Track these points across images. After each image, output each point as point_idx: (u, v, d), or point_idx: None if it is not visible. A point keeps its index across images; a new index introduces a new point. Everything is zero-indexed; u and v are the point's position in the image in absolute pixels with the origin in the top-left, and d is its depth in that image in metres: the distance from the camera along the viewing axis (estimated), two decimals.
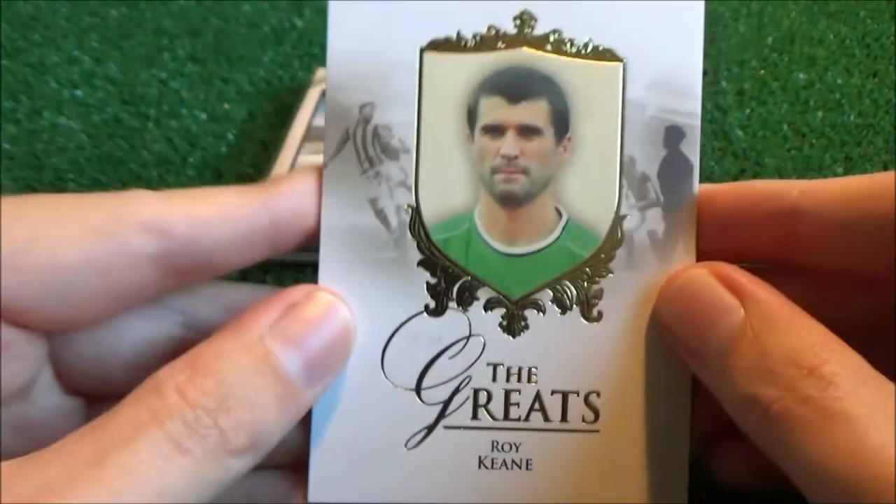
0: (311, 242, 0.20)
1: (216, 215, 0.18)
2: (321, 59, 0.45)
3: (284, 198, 0.19)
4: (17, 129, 0.40)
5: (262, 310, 0.18)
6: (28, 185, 0.37)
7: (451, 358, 0.21)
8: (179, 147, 0.39)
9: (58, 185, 0.37)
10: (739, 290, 0.18)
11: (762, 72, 0.43)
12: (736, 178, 0.36)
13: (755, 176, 0.36)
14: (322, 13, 0.49)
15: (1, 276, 0.16)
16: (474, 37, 0.21)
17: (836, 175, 0.36)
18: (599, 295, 0.21)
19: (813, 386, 0.16)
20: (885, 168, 0.37)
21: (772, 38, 0.46)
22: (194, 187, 0.19)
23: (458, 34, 0.21)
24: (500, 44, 0.21)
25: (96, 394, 0.20)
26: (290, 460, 0.21)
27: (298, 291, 0.19)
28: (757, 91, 0.42)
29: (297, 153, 0.35)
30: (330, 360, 0.19)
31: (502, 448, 0.21)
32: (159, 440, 0.15)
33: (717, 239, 0.20)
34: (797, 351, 0.17)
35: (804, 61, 0.44)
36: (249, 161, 0.38)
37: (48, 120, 0.41)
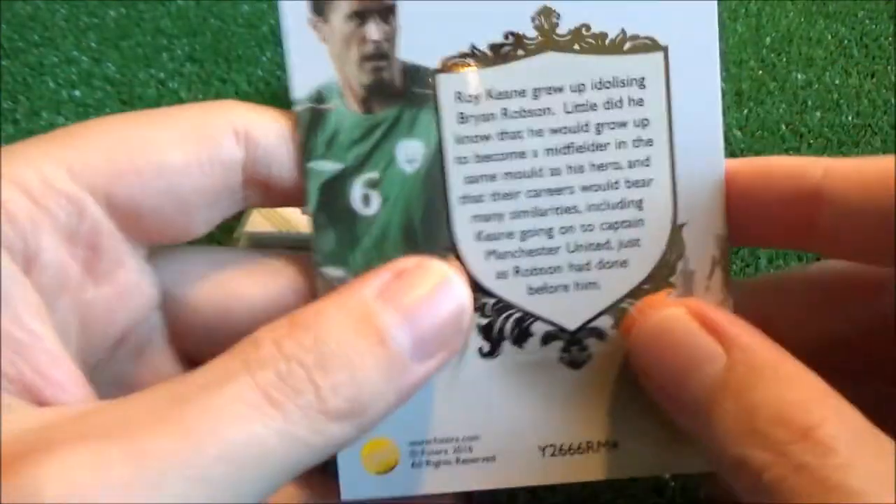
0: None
1: (287, 136, 0.18)
2: None
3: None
4: (15, 130, 0.40)
5: (368, 276, 0.17)
6: None
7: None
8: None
9: None
10: (721, 335, 0.16)
11: (760, 72, 0.43)
12: None
13: None
14: None
15: (118, 178, 0.16)
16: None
17: None
18: None
19: (809, 452, 0.14)
20: None
21: (770, 39, 0.46)
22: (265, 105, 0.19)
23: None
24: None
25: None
26: None
27: (409, 260, 0.17)
28: (755, 91, 0.42)
29: None
30: (442, 337, 0.17)
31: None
32: (248, 387, 0.14)
33: (741, 221, 0.19)
34: (787, 407, 0.15)
35: (802, 62, 0.44)
36: None
37: (46, 120, 0.41)
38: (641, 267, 0.19)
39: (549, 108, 0.19)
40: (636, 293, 0.19)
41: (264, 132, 0.18)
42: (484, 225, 0.19)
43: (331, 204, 0.19)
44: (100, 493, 0.12)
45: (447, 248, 0.19)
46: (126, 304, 0.17)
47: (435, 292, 0.17)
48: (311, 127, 0.19)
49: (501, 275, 0.19)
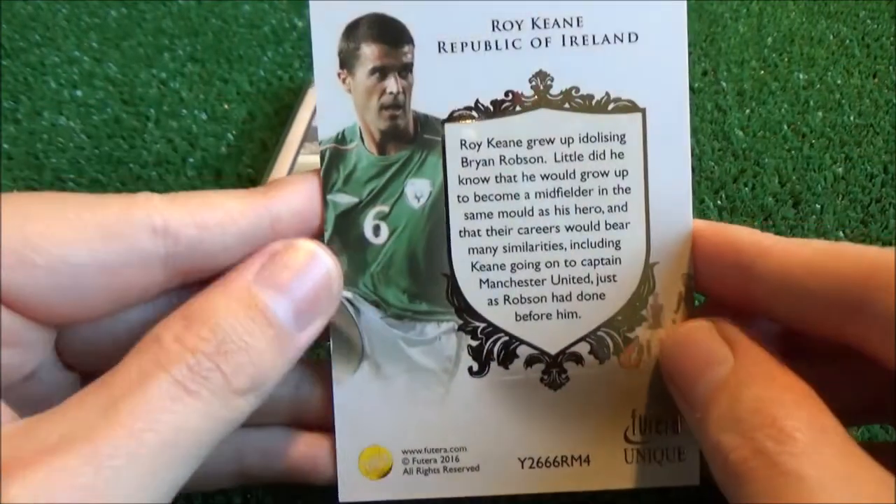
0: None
1: (221, 220, 0.19)
2: None
3: (284, 201, 0.20)
4: (16, 130, 0.40)
5: (246, 263, 0.19)
6: (28, 186, 0.37)
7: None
8: (179, 147, 0.39)
9: (57, 185, 0.37)
10: (733, 344, 0.18)
11: (762, 72, 0.43)
12: (736, 179, 0.36)
13: (755, 176, 0.36)
14: None
15: (12, 271, 0.17)
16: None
17: (835, 175, 0.36)
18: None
19: (771, 438, 0.15)
20: (885, 168, 0.37)
21: (772, 39, 0.46)
22: (198, 190, 0.20)
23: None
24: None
25: (92, 369, 0.20)
26: (283, 419, 0.22)
27: (278, 243, 0.19)
28: (757, 91, 0.42)
29: (297, 153, 0.35)
30: (317, 303, 0.19)
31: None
32: (167, 384, 0.16)
33: (703, 277, 0.21)
34: (765, 401, 0.16)
35: (804, 61, 0.44)
36: (249, 161, 0.38)
37: (48, 120, 0.41)
38: (617, 300, 0.21)
39: (541, 157, 0.21)
40: (611, 323, 0.21)
41: (184, 225, 0.18)
42: (479, 257, 0.21)
43: (344, 232, 0.21)
44: (69, 498, 0.14)
45: (446, 275, 0.21)
46: (25, 360, 0.18)
47: (305, 264, 0.19)
48: (332, 163, 0.21)
49: (492, 302, 0.21)
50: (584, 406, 0.22)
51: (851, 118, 0.40)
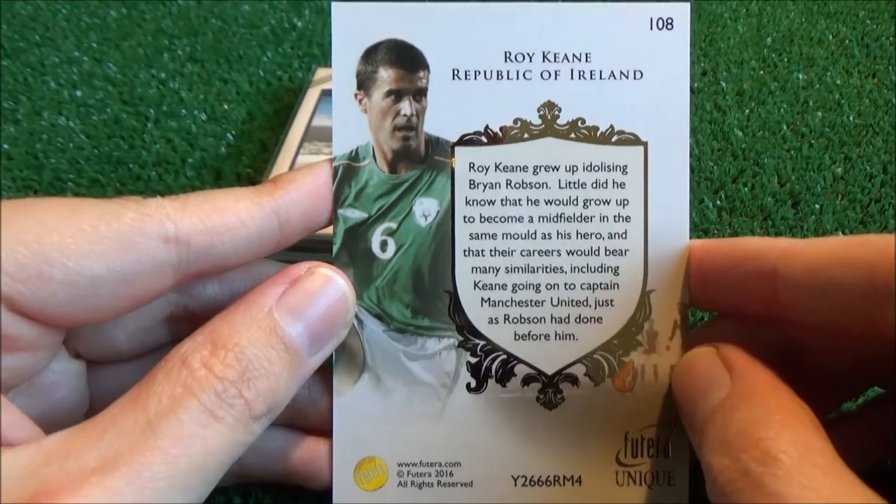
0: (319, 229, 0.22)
1: (231, 224, 0.19)
2: (321, 59, 0.45)
3: (293, 202, 0.20)
4: (16, 130, 0.40)
5: (269, 285, 0.19)
6: (27, 186, 0.37)
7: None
8: (179, 147, 0.39)
9: (57, 185, 0.37)
10: (732, 368, 0.19)
11: (761, 72, 0.43)
12: (735, 179, 0.36)
13: (754, 176, 0.36)
14: (322, 13, 0.49)
15: (31, 285, 0.17)
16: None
17: (834, 175, 0.36)
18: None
19: (756, 459, 0.16)
20: (885, 169, 0.37)
21: (771, 39, 0.46)
22: (206, 190, 0.20)
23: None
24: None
25: (99, 358, 0.22)
26: (284, 420, 0.22)
27: (300, 267, 0.20)
28: (756, 91, 0.42)
29: (297, 153, 0.35)
30: (330, 327, 0.20)
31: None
32: (197, 411, 0.17)
33: (710, 294, 0.22)
34: (751, 423, 0.17)
35: (803, 62, 0.44)
36: (249, 161, 0.38)
37: (48, 120, 0.41)
38: (614, 324, 0.22)
39: (545, 183, 0.22)
40: (608, 347, 0.22)
41: (195, 232, 0.19)
42: (482, 276, 0.22)
43: (352, 246, 0.22)
44: None
45: (448, 293, 0.22)
46: (39, 360, 0.19)
47: (323, 291, 0.20)
48: (344, 179, 0.22)
49: (493, 320, 0.22)
50: (577, 427, 0.22)
51: (851, 118, 0.40)
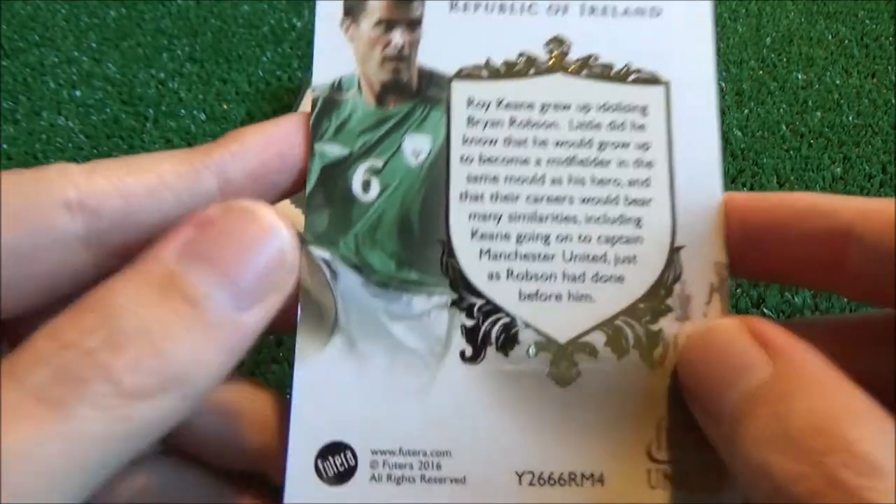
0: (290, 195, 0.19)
1: (151, 186, 0.16)
2: None
3: (236, 157, 0.17)
4: (15, 130, 0.40)
5: (168, 236, 0.15)
6: None
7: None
8: (178, 147, 0.39)
9: None
10: (771, 346, 0.15)
11: (761, 72, 0.43)
12: (734, 179, 0.36)
13: (753, 176, 0.36)
14: None
15: None
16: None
17: (833, 175, 0.36)
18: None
19: (847, 467, 0.13)
20: (884, 169, 0.37)
21: (770, 39, 0.46)
22: (131, 155, 0.17)
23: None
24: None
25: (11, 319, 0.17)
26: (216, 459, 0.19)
27: (212, 208, 0.16)
28: (755, 91, 0.42)
29: None
30: (265, 277, 0.16)
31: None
32: (15, 397, 0.12)
33: (756, 258, 0.18)
34: (828, 419, 0.14)
35: (803, 62, 0.44)
36: None
37: (47, 120, 0.41)
38: (638, 285, 0.19)
39: (555, 123, 0.19)
40: (632, 312, 0.19)
41: (105, 196, 0.16)
42: (480, 224, 0.19)
43: (330, 186, 0.19)
44: None
45: (441, 242, 0.19)
46: None
47: (244, 232, 0.15)
48: (324, 112, 0.19)
49: (493, 276, 0.19)
50: (598, 410, 0.18)
51: (850, 118, 0.40)
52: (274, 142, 0.18)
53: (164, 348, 0.14)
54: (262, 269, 0.15)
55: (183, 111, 0.41)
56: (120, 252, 0.16)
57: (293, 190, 0.18)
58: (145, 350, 0.13)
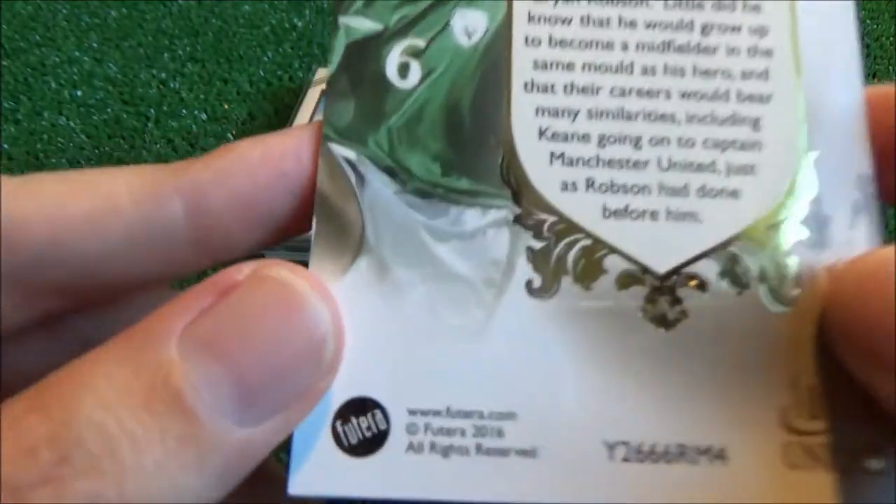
0: (290, 237, 0.15)
1: (95, 211, 0.12)
2: (321, 59, 0.45)
3: (222, 178, 0.13)
4: (17, 130, 0.40)
5: (177, 305, 0.11)
6: None
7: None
8: (179, 147, 0.39)
9: None
10: None
11: None
12: None
13: None
14: (322, 13, 0.49)
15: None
16: None
17: None
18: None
19: None
20: None
21: None
22: (84, 170, 0.13)
23: None
24: None
25: None
26: None
27: (237, 270, 0.12)
28: None
29: None
30: (284, 374, 0.11)
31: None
32: None
33: None
34: None
35: None
36: None
37: (48, 120, 0.41)
38: (757, 201, 0.15)
39: (646, 0, 0.16)
40: (752, 235, 0.15)
41: (26, 224, 0.12)
42: (551, 121, 0.15)
43: (357, 68, 0.15)
44: None
45: (499, 143, 0.15)
46: None
47: (272, 307, 0.11)
48: None
49: (569, 186, 0.15)
50: (713, 361, 0.14)
51: None
52: (274, 157, 0.13)
53: (136, 479, 0.10)
54: (285, 370, 0.11)
55: (184, 111, 0.41)
56: (55, 293, 0.13)
57: (294, 225, 0.14)
58: (109, 479, 0.10)
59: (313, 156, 0.14)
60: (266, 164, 0.13)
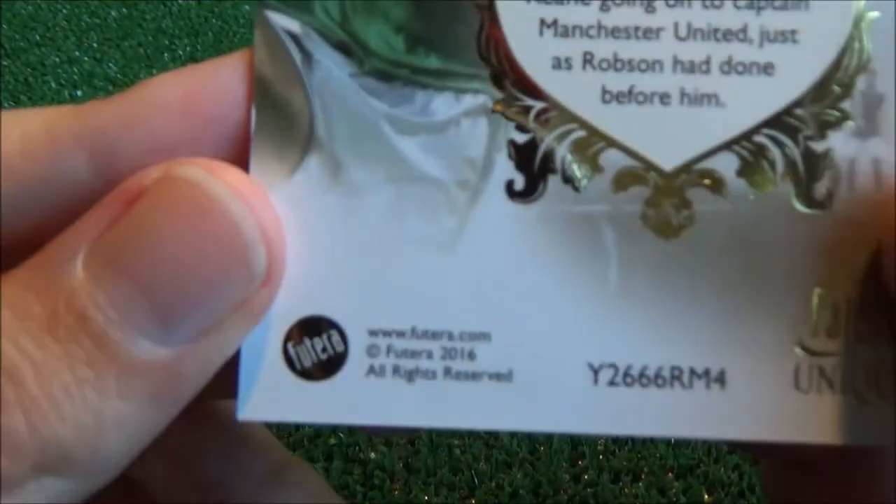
0: None
1: None
2: None
3: (136, 124, 0.11)
4: None
5: (82, 222, 0.10)
6: None
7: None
8: None
9: None
10: None
11: None
12: None
13: None
14: None
15: None
16: None
17: None
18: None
19: None
20: None
21: None
22: None
23: None
24: None
25: None
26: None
27: (146, 174, 0.10)
28: None
29: None
30: (208, 290, 0.10)
31: None
32: None
33: None
34: None
35: None
36: None
37: None
38: (797, 77, 0.12)
39: None
40: (784, 121, 0.12)
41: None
42: None
43: None
44: None
45: (477, 7, 0.12)
46: None
47: (184, 210, 0.10)
48: None
49: (561, 63, 0.12)
50: (719, 274, 0.12)
51: None
52: (198, 100, 0.11)
53: (42, 417, 0.09)
54: (205, 281, 0.10)
55: None
56: None
57: None
58: (15, 413, 0.09)
59: (248, 91, 0.12)
60: (189, 108, 0.11)
